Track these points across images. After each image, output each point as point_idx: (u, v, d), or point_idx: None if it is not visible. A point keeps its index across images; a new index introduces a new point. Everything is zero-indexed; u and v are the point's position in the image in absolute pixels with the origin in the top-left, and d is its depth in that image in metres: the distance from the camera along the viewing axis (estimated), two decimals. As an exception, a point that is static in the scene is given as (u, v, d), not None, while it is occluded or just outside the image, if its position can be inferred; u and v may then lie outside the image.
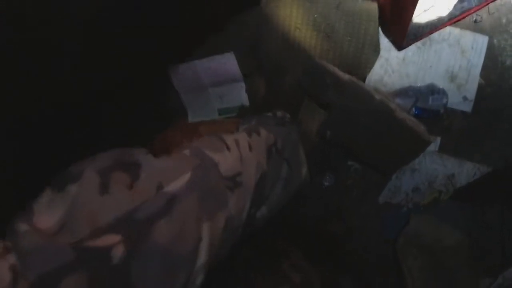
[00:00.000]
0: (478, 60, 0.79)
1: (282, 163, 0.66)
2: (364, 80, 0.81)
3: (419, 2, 0.72)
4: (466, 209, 0.81)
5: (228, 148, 0.52)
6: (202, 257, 0.41)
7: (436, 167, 0.80)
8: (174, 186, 0.41)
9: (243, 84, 0.82)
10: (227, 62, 0.80)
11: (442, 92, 0.76)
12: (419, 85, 0.78)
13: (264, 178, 0.57)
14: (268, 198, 0.61)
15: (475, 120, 0.80)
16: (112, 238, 0.34)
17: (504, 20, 0.85)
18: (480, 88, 0.80)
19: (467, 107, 0.79)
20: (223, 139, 0.54)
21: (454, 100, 0.79)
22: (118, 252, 0.34)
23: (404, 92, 0.77)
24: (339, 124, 0.78)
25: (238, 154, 0.53)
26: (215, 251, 0.44)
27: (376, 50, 0.80)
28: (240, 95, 0.82)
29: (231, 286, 0.67)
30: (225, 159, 0.50)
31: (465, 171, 0.80)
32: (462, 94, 0.79)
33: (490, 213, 0.81)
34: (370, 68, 0.80)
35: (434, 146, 0.79)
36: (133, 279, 0.34)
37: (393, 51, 0.80)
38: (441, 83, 0.79)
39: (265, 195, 0.59)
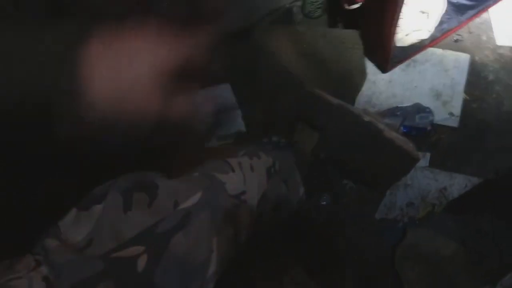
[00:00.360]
0: (461, 77, 0.83)
1: (280, 183, 0.71)
2: (353, 102, 0.85)
3: (401, 26, 0.77)
4: (460, 220, 0.84)
5: (233, 170, 0.58)
6: (213, 267, 0.46)
7: (428, 182, 0.83)
8: (188, 203, 0.46)
9: (239, 112, 0.87)
10: (223, 93, 0.85)
11: (428, 111, 0.80)
12: (405, 104, 0.82)
13: (265, 196, 0.62)
14: (267, 215, 0.65)
15: (462, 134, 0.83)
16: (136, 249, 0.39)
17: (484, 38, 0.89)
18: (466, 103, 0.84)
19: (454, 123, 0.83)
20: (228, 162, 0.59)
21: (441, 117, 0.83)
22: (143, 261, 0.39)
23: (391, 112, 0.81)
24: (332, 146, 0.82)
25: (241, 175, 0.58)
26: (222, 262, 0.48)
27: (363, 74, 0.84)
28: (236, 122, 0.87)
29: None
30: (230, 179, 0.55)
31: (456, 184, 0.83)
32: (448, 111, 0.83)
33: (483, 221, 0.83)
34: (358, 91, 0.84)
35: (424, 162, 0.83)
36: (155, 286, 0.39)
37: (380, 74, 0.85)
38: (427, 101, 0.83)
39: (266, 212, 0.63)
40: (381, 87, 0.84)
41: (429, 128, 0.81)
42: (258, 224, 0.60)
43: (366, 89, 0.85)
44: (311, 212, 0.88)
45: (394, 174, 0.80)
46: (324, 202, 0.87)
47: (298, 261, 0.83)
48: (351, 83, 0.84)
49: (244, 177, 0.57)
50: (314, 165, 0.88)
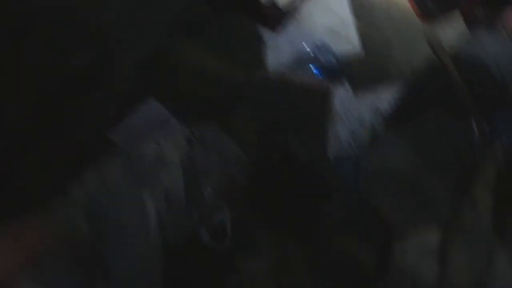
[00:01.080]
0: (345, 9, 0.91)
1: (209, 147, 0.77)
2: (267, 72, 0.92)
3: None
4: (404, 130, 0.88)
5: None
6: (154, 217, 0.56)
7: (358, 107, 0.88)
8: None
9: (175, 120, 0.94)
10: (153, 109, 0.92)
11: (327, 48, 0.87)
12: (310, 53, 0.89)
13: (191, 159, 0.69)
14: (208, 177, 0.71)
15: (369, 55, 0.90)
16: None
17: (356, -30, 0.97)
18: (360, 29, 0.91)
19: (357, 49, 0.89)
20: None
21: (344, 49, 0.89)
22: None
23: (299, 65, 0.88)
24: (265, 118, 0.88)
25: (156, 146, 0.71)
26: (168, 219, 0.58)
27: (263, 43, 0.92)
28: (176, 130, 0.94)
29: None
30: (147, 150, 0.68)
31: (384, 99, 0.88)
32: (347, 42, 0.90)
33: (426, 121, 0.87)
34: (266, 59, 0.91)
35: (346, 91, 0.88)
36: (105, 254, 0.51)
37: (278, 37, 0.92)
38: (326, 41, 0.90)
39: (201, 175, 0.69)
40: (284, 48, 0.91)
41: (336, 62, 0.87)
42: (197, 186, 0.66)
43: (273, 56, 0.92)
44: (274, 182, 0.92)
45: (322, 114, 0.85)
46: (279, 167, 0.91)
47: (272, 232, 0.86)
48: (256, 55, 0.92)
49: (160, 147, 0.69)
50: (261, 142, 0.93)
